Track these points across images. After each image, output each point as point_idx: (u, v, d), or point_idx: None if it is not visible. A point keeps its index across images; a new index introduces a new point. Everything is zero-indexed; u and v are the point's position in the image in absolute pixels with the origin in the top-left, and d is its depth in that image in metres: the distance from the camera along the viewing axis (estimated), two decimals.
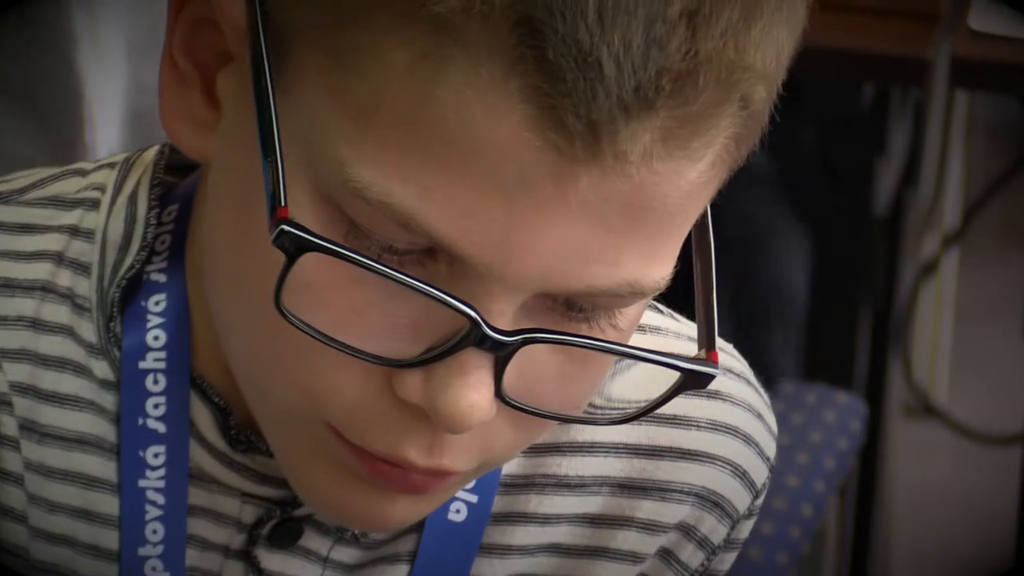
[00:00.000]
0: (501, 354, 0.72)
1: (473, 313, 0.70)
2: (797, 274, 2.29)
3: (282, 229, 0.70)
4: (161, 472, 0.85)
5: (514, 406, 0.73)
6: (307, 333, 0.72)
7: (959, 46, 1.85)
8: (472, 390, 0.72)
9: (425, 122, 0.68)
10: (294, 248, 0.70)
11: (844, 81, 1.95)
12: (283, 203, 0.71)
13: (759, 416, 0.91)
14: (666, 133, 0.67)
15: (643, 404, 0.79)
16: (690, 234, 0.77)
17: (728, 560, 0.94)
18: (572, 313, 0.73)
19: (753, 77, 0.69)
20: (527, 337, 0.71)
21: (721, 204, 1.62)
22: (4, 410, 0.84)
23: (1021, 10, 2.10)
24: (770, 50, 0.69)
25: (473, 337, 0.71)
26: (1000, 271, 2.63)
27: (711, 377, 0.74)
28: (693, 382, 0.75)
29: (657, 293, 0.75)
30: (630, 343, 0.76)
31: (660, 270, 0.72)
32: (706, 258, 0.79)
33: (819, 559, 1.84)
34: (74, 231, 0.86)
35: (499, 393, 0.72)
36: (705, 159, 0.70)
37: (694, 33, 0.65)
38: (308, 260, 0.71)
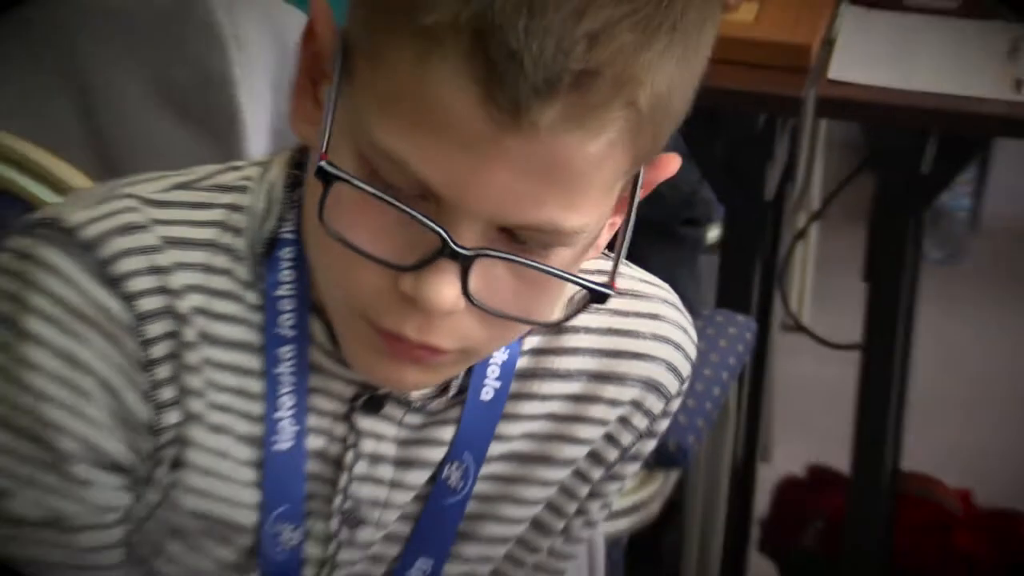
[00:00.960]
0: (464, 264, 0.78)
1: (443, 232, 0.77)
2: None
3: (320, 166, 0.77)
4: (290, 364, 0.89)
5: (476, 304, 0.80)
6: (339, 240, 0.79)
7: (821, 89, 1.79)
8: (444, 286, 0.78)
9: (417, 102, 0.75)
10: (327, 179, 0.77)
11: (745, 112, 1.87)
12: (324, 150, 0.78)
13: (685, 331, 0.96)
14: (567, 113, 0.73)
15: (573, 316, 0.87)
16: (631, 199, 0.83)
17: (650, 446, 0.99)
18: (518, 245, 0.79)
19: (637, 88, 0.74)
20: (480, 251, 0.77)
21: (670, 190, 1.58)
22: (189, 324, 0.87)
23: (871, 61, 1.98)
24: (658, 74, 0.75)
25: (445, 251, 0.77)
26: (846, 238, 2.63)
27: (605, 295, 0.81)
28: (595, 297, 0.82)
29: (579, 237, 0.81)
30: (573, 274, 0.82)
31: (577, 218, 0.79)
32: (626, 218, 0.84)
33: (723, 427, 1.77)
34: (232, 207, 0.89)
35: (465, 292, 0.78)
36: (601, 138, 0.76)
37: (590, 48, 0.72)
38: (341, 192, 0.78)
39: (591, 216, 0.80)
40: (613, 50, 0.74)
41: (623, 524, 1.53)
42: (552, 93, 0.73)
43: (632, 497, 1.52)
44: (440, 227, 0.77)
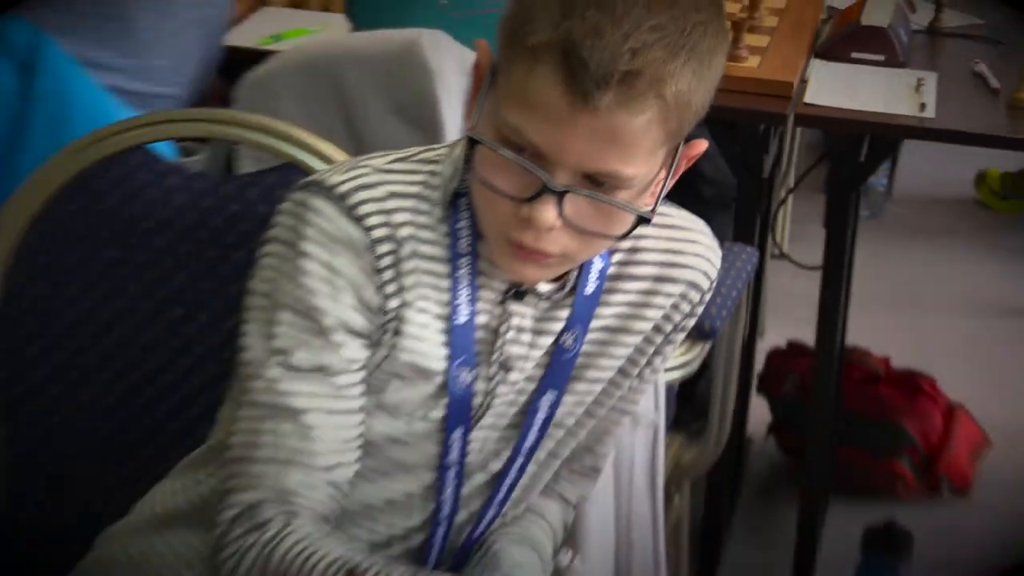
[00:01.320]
0: (558, 196, 0.83)
1: (544, 176, 0.83)
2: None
3: (469, 135, 0.86)
4: (466, 270, 0.94)
5: (567, 223, 0.85)
6: (482, 183, 0.86)
7: (799, 109, 1.91)
8: (546, 211, 0.84)
9: (527, 93, 0.83)
10: (472, 141, 0.85)
11: (751, 123, 1.95)
12: (475, 125, 0.87)
13: (714, 251, 1.01)
14: (617, 99, 0.80)
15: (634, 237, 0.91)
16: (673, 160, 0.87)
17: (691, 323, 1.03)
18: (596, 186, 0.84)
19: (664, 86, 0.81)
20: (567, 188, 0.83)
21: (726, 184, 1.87)
22: (403, 245, 0.93)
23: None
24: (679, 79, 0.81)
25: (546, 188, 0.83)
26: (812, 203, 2.64)
27: (647, 219, 0.86)
28: (643, 220, 0.86)
29: (633, 182, 0.85)
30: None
31: (630, 169, 0.84)
32: (666, 176, 0.88)
33: (737, 316, 1.79)
34: (431, 173, 0.94)
35: (560, 215, 0.84)
36: (641, 117, 0.81)
37: (632, 58, 0.79)
38: (485, 154, 0.85)
39: (640, 169, 0.86)
40: (647, 60, 0.81)
41: (674, 375, 1.55)
42: (607, 85, 0.81)
43: (680, 359, 1.54)
44: (542, 172, 0.83)
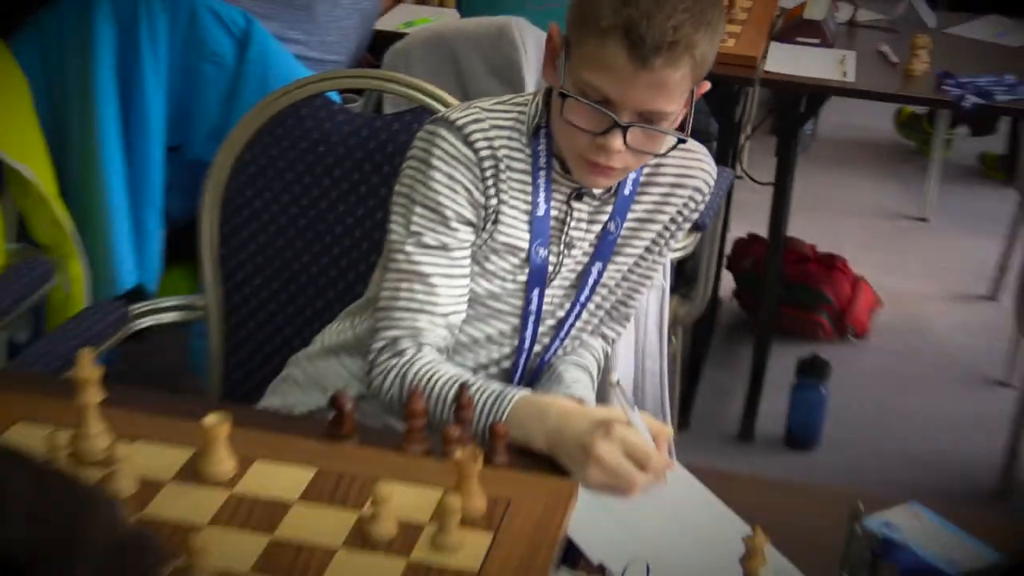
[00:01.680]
0: (623, 129, 0.86)
1: (613, 116, 0.85)
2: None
3: (561, 91, 0.88)
4: (544, 178, 0.95)
5: (630, 147, 0.88)
6: (568, 123, 0.87)
7: (761, 76, 1.98)
8: (615, 140, 0.86)
9: (599, 60, 0.85)
10: (564, 96, 0.87)
11: (729, 83, 1.98)
12: (562, 84, 0.89)
13: (712, 168, 1.01)
14: (665, 61, 0.84)
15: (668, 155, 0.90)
16: (690, 100, 0.88)
17: (695, 217, 1.02)
18: (646, 120, 0.88)
19: (695, 50, 0.85)
20: (631, 124, 0.86)
21: (707, 127, 1.93)
22: (501, 161, 0.92)
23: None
24: (703, 45, 0.86)
25: (615, 124, 0.85)
26: (764, 142, 2.59)
27: (684, 140, 0.89)
28: (680, 141, 0.89)
29: (672, 116, 0.87)
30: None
31: (672, 107, 0.88)
32: (689, 108, 0.90)
33: (718, 217, 1.85)
34: (520, 112, 0.95)
35: (624, 142, 0.86)
36: (680, 71, 0.85)
37: (674, 33, 0.84)
38: (570, 103, 0.87)
39: (676, 106, 0.88)
40: (683, 33, 0.84)
41: (678, 254, 1.53)
42: (658, 52, 0.83)
43: (683, 243, 1.50)
44: (612, 114, 0.85)
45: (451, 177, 0.92)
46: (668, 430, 0.83)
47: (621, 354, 1.32)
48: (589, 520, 0.79)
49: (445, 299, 0.93)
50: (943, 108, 2.46)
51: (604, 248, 0.98)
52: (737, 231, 2.69)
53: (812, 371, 2.17)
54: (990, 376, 2.38)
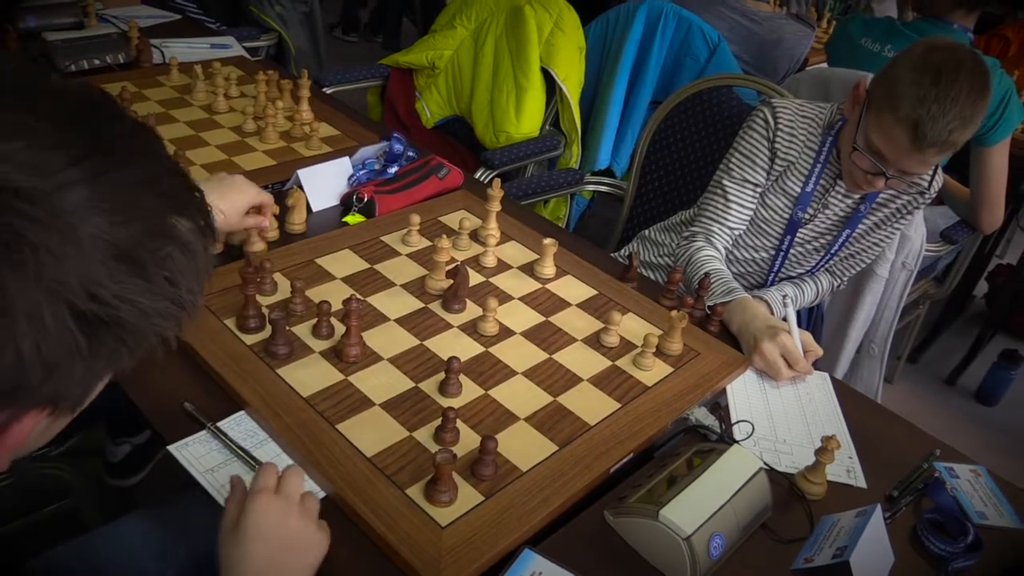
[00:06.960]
0: (886, 178, 0.95)
1: (883, 168, 0.94)
2: None
3: (854, 144, 0.89)
4: (820, 166, 1.00)
5: (887, 185, 0.97)
6: (853, 161, 0.86)
7: None
8: (880, 182, 0.97)
9: (890, 135, 0.97)
10: (856, 147, 0.90)
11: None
12: (856, 133, 0.97)
13: (936, 178, 1.04)
14: (936, 151, 0.98)
15: None
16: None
17: (909, 217, 1.10)
18: (904, 175, 0.96)
19: (957, 144, 0.96)
20: (892, 175, 0.93)
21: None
22: (796, 140, 0.99)
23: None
24: (964, 139, 0.96)
25: (884, 174, 0.93)
26: None
27: (925, 190, 0.92)
28: (922, 189, 0.87)
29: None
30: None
31: (924, 172, 1.01)
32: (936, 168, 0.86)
33: (969, 249, 1.83)
34: (819, 114, 0.99)
35: (885, 184, 0.99)
36: (942, 156, 0.99)
37: (949, 135, 0.94)
38: (856, 153, 0.92)
39: (929, 169, 1.01)
40: (955, 137, 0.97)
41: (934, 255, 1.55)
42: (933, 146, 0.96)
43: (938, 248, 1.54)
44: (883, 167, 1.00)
45: (761, 143, 1.06)
46: (819, 350, 0.99)
47: (867, 302, 1.54)
48: (743, 388, 0.92)
49: (734, 216, 1.09)
50: None
51: (853, 220, 1.13)
52: (1011, 258, 3.11)
53: (1010, 359, 2.47)
54: None
